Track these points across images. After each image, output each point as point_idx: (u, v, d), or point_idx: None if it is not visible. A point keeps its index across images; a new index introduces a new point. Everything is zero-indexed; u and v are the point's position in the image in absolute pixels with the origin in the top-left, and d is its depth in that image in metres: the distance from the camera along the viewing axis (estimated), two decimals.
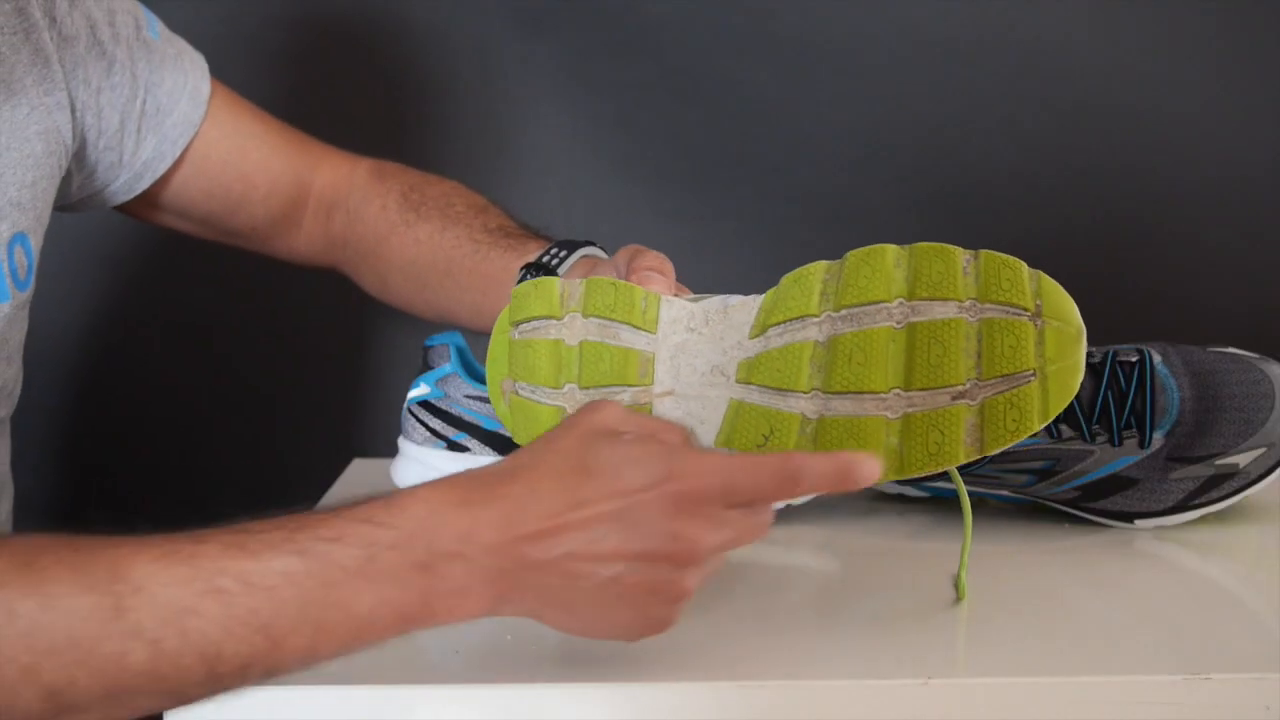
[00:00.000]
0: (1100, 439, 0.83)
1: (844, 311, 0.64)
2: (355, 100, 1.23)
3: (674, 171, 1.22)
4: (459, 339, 0.92)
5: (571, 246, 0.84)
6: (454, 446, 0.89)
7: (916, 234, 1.23)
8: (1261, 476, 0.84)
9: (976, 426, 0.62)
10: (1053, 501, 0.86)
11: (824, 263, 0.66)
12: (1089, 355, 0.84)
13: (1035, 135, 1.22)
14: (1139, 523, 0.85)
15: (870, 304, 0.64)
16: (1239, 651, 0.65)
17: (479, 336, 0.98)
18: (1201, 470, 0.83)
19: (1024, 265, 0.63)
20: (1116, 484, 0.84)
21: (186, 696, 0.54)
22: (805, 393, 0.65)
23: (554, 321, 0.72)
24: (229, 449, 1.25)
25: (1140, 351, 0.84)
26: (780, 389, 0.65)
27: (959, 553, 0.76)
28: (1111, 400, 0.83)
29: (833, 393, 0.64)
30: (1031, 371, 0.61)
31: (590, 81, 1.22)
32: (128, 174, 0.89)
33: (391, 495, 0.56)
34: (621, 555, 0.56)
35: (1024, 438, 0.61)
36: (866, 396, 0.63)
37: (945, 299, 0.63)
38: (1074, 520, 0.86)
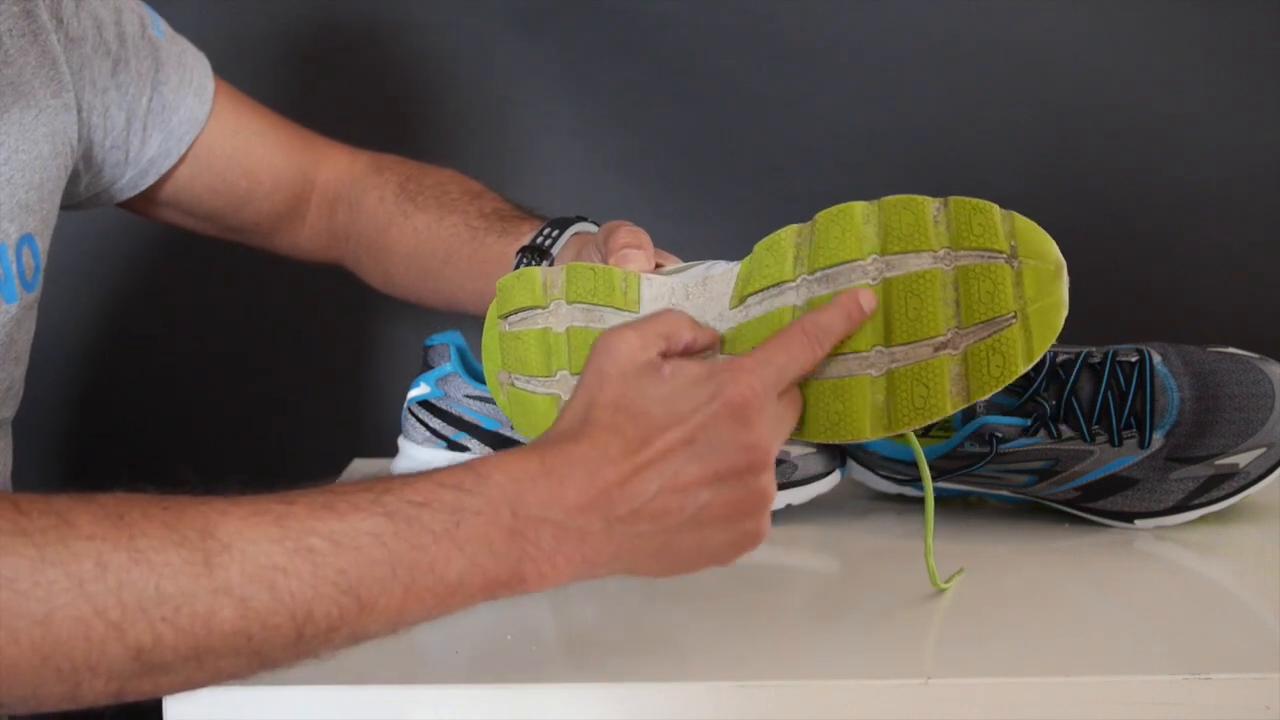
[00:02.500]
0: (1100, 439, 0.83)
1: (819, 274, 0.64)
2: (355, 100, 1.23)
3: (674, 171, 1.22)
4: (459, 339, 0.92)
5: (563, 225, 0.85)
6: (454, 446, 0.89)
7: None
8: (1261, 476, 0.84)
9: (961, 376, 0.61)
10: (1053, 501, 0.86)
11: (795, 226, 0.66)
12: (1089, 355, 0.84)
13: (1035, 135, 1.22)
14: (1139, 523, 0.85)
15: (844, 264, 0.63)
16: (1239, 651, 0.65)
17: (478, 336, 0.98)
18: (1201, 470, 0.83)
19: (995, 207, 0.62)
20: (1116, 484, 0.84)
21: (273, 660, 0.53)
22: None
23: (540, 311, 0.72)
24: (229, 449, 1.25)
25: (1140, 351, 0.84)
26: None
27: (960, 553, 0.76)
28: (1111, 400, 0.83)
29: None
30: (1012, 314, 0.60)
31: (590, 81, 1.22)
32: (133, 171, 0.90)
33: (473, 463, 0.55)
34: (704, 480, 0.57)
35: (1009, 382, 0.60)
36: (849, 356, 0.62)
37: (919, 250, 0.62)
38: (1074, 520, 0.86)
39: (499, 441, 0.88)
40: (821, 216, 0.65)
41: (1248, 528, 0.85)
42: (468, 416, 0.89)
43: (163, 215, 0.95)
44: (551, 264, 0.83)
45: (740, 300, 0.66)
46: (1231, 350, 0.87)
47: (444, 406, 0.89)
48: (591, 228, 0.85)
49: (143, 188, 0.91)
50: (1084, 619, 0.71)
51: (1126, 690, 0.60)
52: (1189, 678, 0.60)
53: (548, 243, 0.83)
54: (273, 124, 0.97)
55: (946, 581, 0.73)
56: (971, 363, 0.61)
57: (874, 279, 0.63)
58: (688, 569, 0.59)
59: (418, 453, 0.90)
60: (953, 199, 0.62)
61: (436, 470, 0.55)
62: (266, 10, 1.21)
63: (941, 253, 0.62)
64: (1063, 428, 0.82)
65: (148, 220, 0.97)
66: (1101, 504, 0.85)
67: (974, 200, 0.62)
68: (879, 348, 0.62)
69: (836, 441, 0.64)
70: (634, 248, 0.72)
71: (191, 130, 0.91)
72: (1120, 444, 0.83)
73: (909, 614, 0.71)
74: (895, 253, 0.62)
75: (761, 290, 0.66)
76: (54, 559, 0.50)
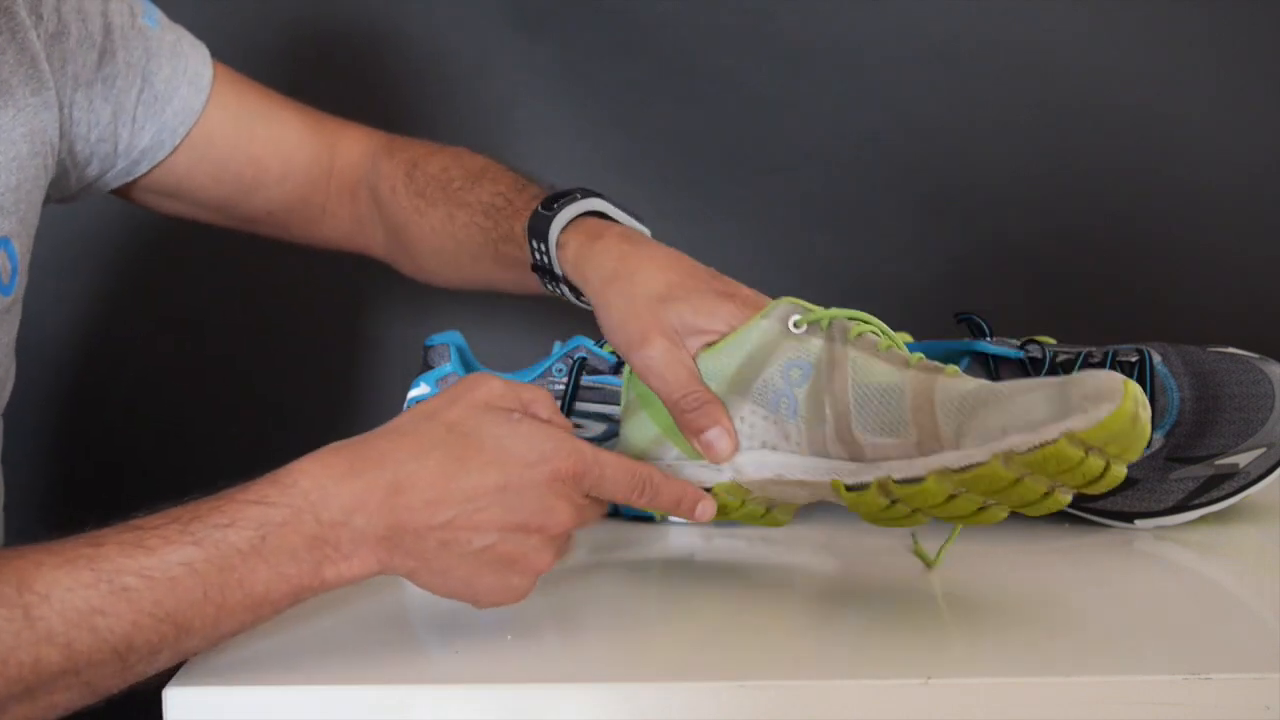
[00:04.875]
0: None
1: (918, 507, 0.66)
2: (355, 101, 1.22)
3: (674, 171, 1.22)
4: (459, 339, 0.92)
5: (543, 231, 0.77)
6: None
7: (916, 233, 1.24)
8: (1261, 476, 0.84)
9: (1070, 493, 0.65)
10: None
11: (875, 490, 0.66)
12: (1089, 355, 0.84)
13: (1035, 135, 1.22)
14: (1139, 523, 0.85)
15: (938, 503, 0.65)
16: (1239, 651, 0.65)
17: (479, 336, 0.98)
18: (1201, 470, 0.83)
19: (1060, 445, 0.61)
20: None
21: (100, 689, 0.56)
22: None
23: None
24: (227, 449, 1.25)
25: (1140, 351, 0.84)
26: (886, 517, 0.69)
27: (960, 553, 0.76)
28: None
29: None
30: (1103, 470, 0.62)
31: (590, 81, 1.22)
32: (125, 162, 0.89)
33: (280, 472, 0.59)
34: (498, 526, 0.60)
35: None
36: (967, 514, 0.66)
37: (1003, 486, 0.63)
38: (1074, 520, 0.86)
39: None
40: (899, 491, 0.65)
41: (1248, 528, 0.85)
42: None
43: (171, 207, 0.94)
44: (562, 279, 0.78)
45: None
46: (1231, 350, 0.87)
47: None
48: (570, 213, 0.77)
49: (135, 176, 0.89)
50: (1084, 619, 0.71)
51: (1126, 690, 0.60)
52: (1189, 678, 0.60)
53: (544, 259, 0.78)
54: (280, 108, 0.94)
55: (936, 556, 0.75)
56: (1078, 487, 0.64)
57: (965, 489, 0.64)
58: (457, 596, 0.63)
59: None
60: (1016, 455, 0.61)
61: (245, 486, 0.58)
62: (266, 11, 1.21)
63: (1025, 475, 0.63)
64: None
65: (160, 215, 0.95)
66: (1101, 504, 0.85)
67: (1037, 452, 0.61)
68: (990, 502, 0.65)
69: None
70: (711, 426, 0.70)
71: (187, 120, 0.89)
72: None
73: (909, 614, 0.71)
74: (980, 492, 0.64)
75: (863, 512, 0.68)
76: None
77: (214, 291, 1.25)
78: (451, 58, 1.22)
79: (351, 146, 0.96)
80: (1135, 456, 0.62)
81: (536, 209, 0.79)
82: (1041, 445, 0.61)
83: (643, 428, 0.74)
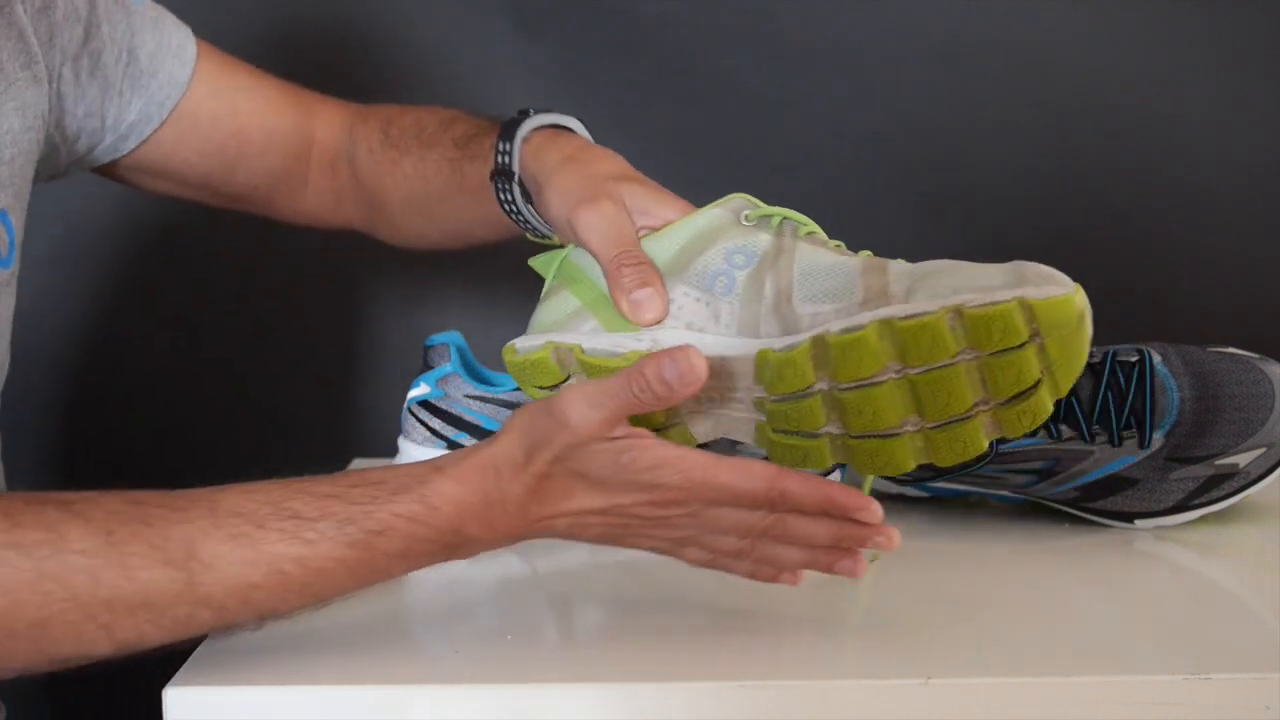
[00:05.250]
0: (1100, 439, 0.83)
1: (844, 384, 0.64)
2: (354, 100, 1.23)
3: (674, 171, 1.21)
4: (459, 339, 0.92)
5: (511, 133, 0.79)
6: (454, 446, 0.89)
7: (917, 233, 1.24)
8: (1261, 476, 0.84)
9: (994, 425, 0.64)
10: (1053, 501, 0.86)
11: (807, 344, 0.64)
12: (1089, 356, 0.84)
13: (1035, 135, 1.22)
14: (1139, 523, 0.85)
15: (867, 377, 0.63)
16: (1239, 651, 0.65)
17: (479, 336, 0.98)
18: (1201, 470, 0.83)
19: (1012, 306, 0.60)
20: (1116, 484, 0.84)
21: (232, 630, 0.64)
22: (823, 427, 0.66)
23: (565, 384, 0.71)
24: (228, 449, 1.25)
25: (1140, 351, 0.84)
26: (800, 431, 0.66)
27: (959, 553, 0.76)
28: (1111, 400, 0.83)
29: (852, 435, 0.65)
30: (1038, 379, 0.62)
31: (590, 81, 1.22)
32: (113, 137, 0.89)
33: (427, 491, 0.62)
34: (609, 522, 0.65)
35: (1042, 421, 0.63)
36: (885, 431, 0.64)
37: (940, 360, 0.62)
38: (1074, 520, 0.86)
39: None
40: (834, 341, 0.63)
41: (1248, 528, 0.85)
42: (468, 416, 0.89)
43: (155, 185, 0.94)
44: (517, 179, 0.78)
45: (760, 407, 0.67)
46: (1231, 350, 0.87)
47: (444, 406, 0.89)
48: (541, 120, 0.80)
49: (124, 152, 0.90)
50: (1084, 619, 0.71)
51: (1126, 690, 0.60)
52: (1189, 678, 0.60)
53: (506, 159, 0.79)
54: (262, 82, 0.94)
55: (871, 561, 0.75)
56: (1003, 417, 0.63)
57: (897, 373, 0.63)
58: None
59: (417, 452, 0.89)
60: (966, 310, 0.60)
61: (392, 499, 0.62)
62: (265, 11, 1.21)
63: (964, 351, 0.62)
64: (1063, 428, 0.82)
65: (147, 194, 0.95)
66: (1101, 504, 0.85)
67: (987, 309, 0.60)
68: (913, 419, 0.64)
69: (883, 475, 0.67)
70: (643, 286, 0.68)
71: (173, 94, 0.89)
72: (1120, 444, 0.83)
73: (909, 614, 0.71)
74: (916, 365, 0.62)
75: (785, 394, 0.65)
76: (51, 573, 0.57)
77: (214, 292, 1.25)
78: (451, 58, 1.22)
79: (330, 118, 0.97)
80: (1071, 375, 0.61)
81: (513, 115, 0.81)
82: (992, 303, 0.60)
83: (561, 304, 0.71)
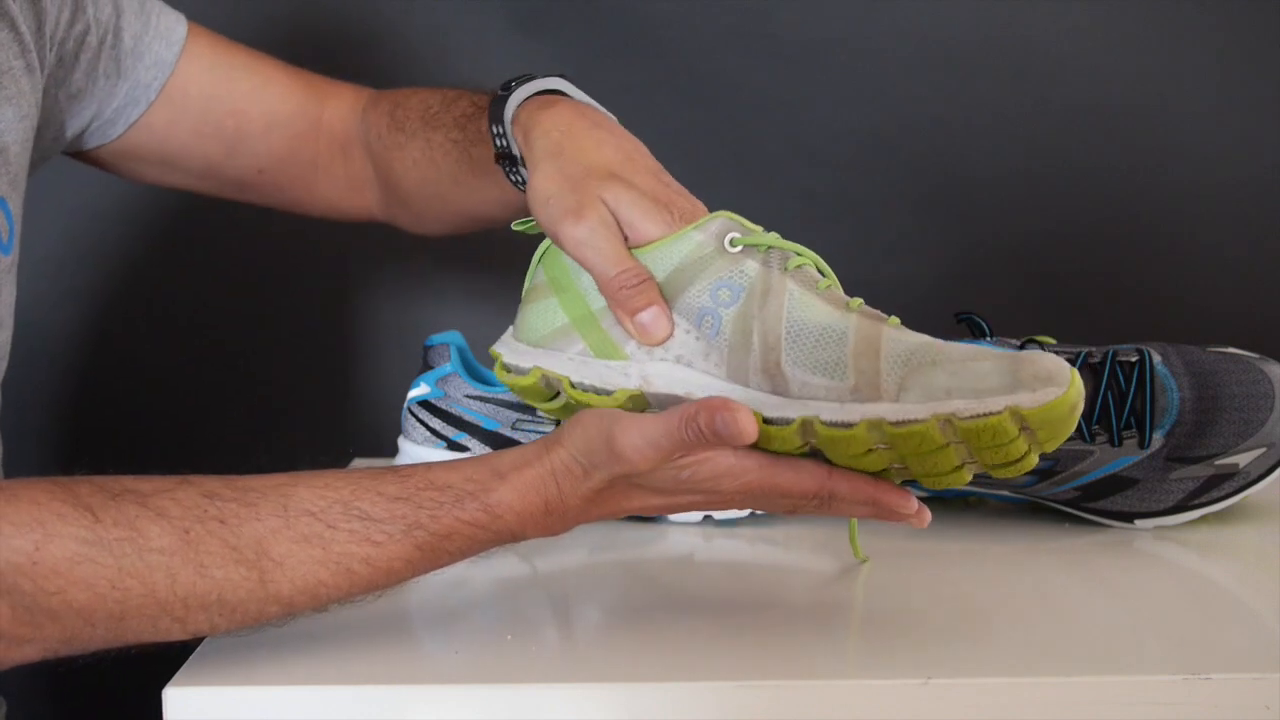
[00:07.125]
0: (1100, 439, 0.83)
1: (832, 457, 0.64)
2: None
3: (674, 171, 1.22)
4: (459, 339, 0.92)
5: (499, 114, 0.77)
6: (454, 446, 0.89)
7: (917, 233, 1.24)
8: (1261, 476, 0.84)
9: (979, 470, 0.64)
10: (1053, 501, 0.86)
11: (797, 424, 0.62)
12: (1089, 355, 0.84)
13: (1035, 135, 1.22)
14: (1139, 523, 0.85)
15: (855, 454, 0.63)
16: (1239, 651, 0.65)
17: (479, 336, 0.98)
18: (1201, 470, 0.83)
19: (1004, 418, 0.59)
20: (1116, 484, 0.84)
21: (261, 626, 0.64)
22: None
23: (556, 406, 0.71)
24: (228, 449, 1.24)
25: (1140, 351, 0.84)
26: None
27: (959, 553, 0.76)
28: (1111, 400, 0.83)
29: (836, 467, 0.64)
30: (1024, 453, 0.62)
31: (590, 81, 1.21)
32: (99, 121, 0.88)
33: (490, 504, 0.64)
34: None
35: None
36: (871, 471, 0.64)
37: (928, 450, 0.61)
38: (1074, 520, 0.86)
39: (499, 441, 0.88)
40: (824, 433, 0.62)
41: (1248, 528, 0.85)
42: (468, 416, 0.89)
43: (156, 174, 0.94)
44: (521, 162, 0.76)
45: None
46: (1231, 350, 0.87)
47: (444, 406, 0.89)
48: (527, 90, 0.77)
49: (112, 137, 0.89)
50: (1084, 619, 0.71)
51: (1126, 690, 0.60)
52: (1189, 678, 0.60)
53: (504, 143, 0.77)
54: (261, 63, 0.93)
55: (862, 562, 0.76)
56: (988, 470, 0.63)
57: (886, 448, 0.62)
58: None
59: (418, 453, 0.90)
60: (957, 421, 0.60)
61: (458, 503, 0.64)
62: (264, 10, 1.21)
63: (954, 442, 0.61)
64: None
65: (151, 186, 0.94)
66: (1101, 504, 0.85)
67: (978, 422, 0.59)
68: (899, 466, 0.63)
69: None
70: (648, 306, 0.67)
71: (160, 75, 0.89)
72: (1120, 444, 0.83)
73: (909, 614, 0.71)
74: (906, 452, 0.62)
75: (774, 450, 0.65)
76: (131, 571, 0.59)
77: (214, 292, 1.25)
78: (451, 58, 1.22)
79: (340, 102, 0.95)
80: (1056, 446, 0.62)
81: (495, 94, 0.78)
82: (985, 415, 0.59)
83: (549, 314, 0.70)
